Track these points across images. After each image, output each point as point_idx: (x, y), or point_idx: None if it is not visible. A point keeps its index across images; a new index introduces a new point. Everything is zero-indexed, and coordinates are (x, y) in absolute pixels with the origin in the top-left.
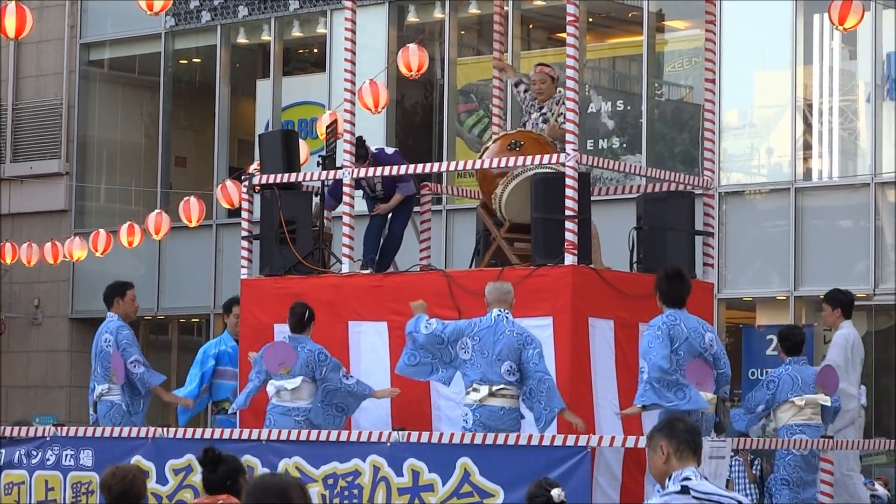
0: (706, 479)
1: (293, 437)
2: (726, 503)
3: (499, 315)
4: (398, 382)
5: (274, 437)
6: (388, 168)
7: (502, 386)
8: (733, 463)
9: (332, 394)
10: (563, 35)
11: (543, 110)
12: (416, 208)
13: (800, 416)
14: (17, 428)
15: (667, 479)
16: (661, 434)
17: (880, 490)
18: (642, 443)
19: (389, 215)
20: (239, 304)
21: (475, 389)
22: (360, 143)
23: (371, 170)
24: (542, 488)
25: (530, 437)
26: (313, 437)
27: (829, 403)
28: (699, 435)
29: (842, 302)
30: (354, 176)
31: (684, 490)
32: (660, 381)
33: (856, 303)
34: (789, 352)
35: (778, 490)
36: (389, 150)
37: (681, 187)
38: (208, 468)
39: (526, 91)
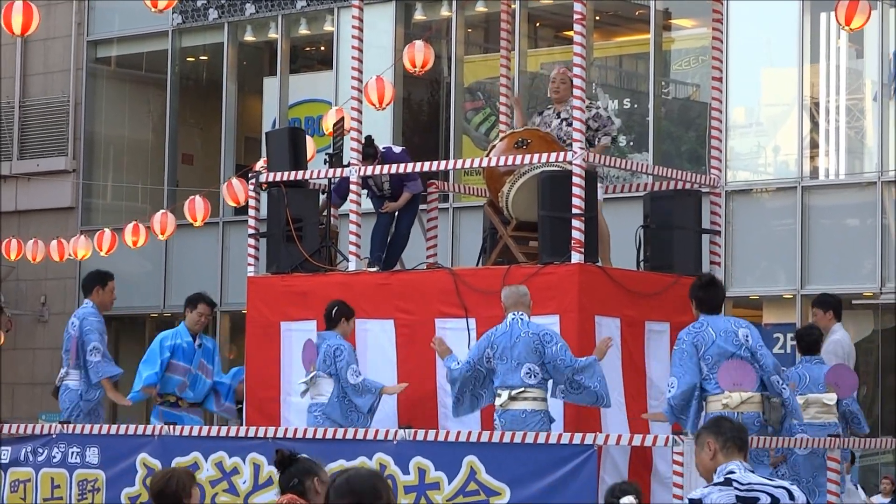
0: (752, 471)
1: (300, 434)
2: (771, 492)
3: (513, 319)
4: (405, 379)
5: (280, 434)
6: (393, 166)
7: (522, 389)
8: None
9: (346, 389)
10: (570, 33)
11: (563, 115)
12: (423, 206)
13: (803, 416)
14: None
15: (713, 475)
16: (707, 432)
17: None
18: (648, 441)
19: (396, 213)
20: (206, 302)
21: (498, 395)
22: (368, 143)
23: (377, 168)
24: (612, 495)
25: (536, 435)
26: (319, 434)
27: (833, 402)
28: (745, 432)
29: (833, 305)
30: (361, 174)
31: (727, 482)
32: (677, 408)
33: (862, 301)
34: (804, 351)
35: None
36: (397, 149)
37: (688, 185)
38: (279, 468)
39: (541, 113)
